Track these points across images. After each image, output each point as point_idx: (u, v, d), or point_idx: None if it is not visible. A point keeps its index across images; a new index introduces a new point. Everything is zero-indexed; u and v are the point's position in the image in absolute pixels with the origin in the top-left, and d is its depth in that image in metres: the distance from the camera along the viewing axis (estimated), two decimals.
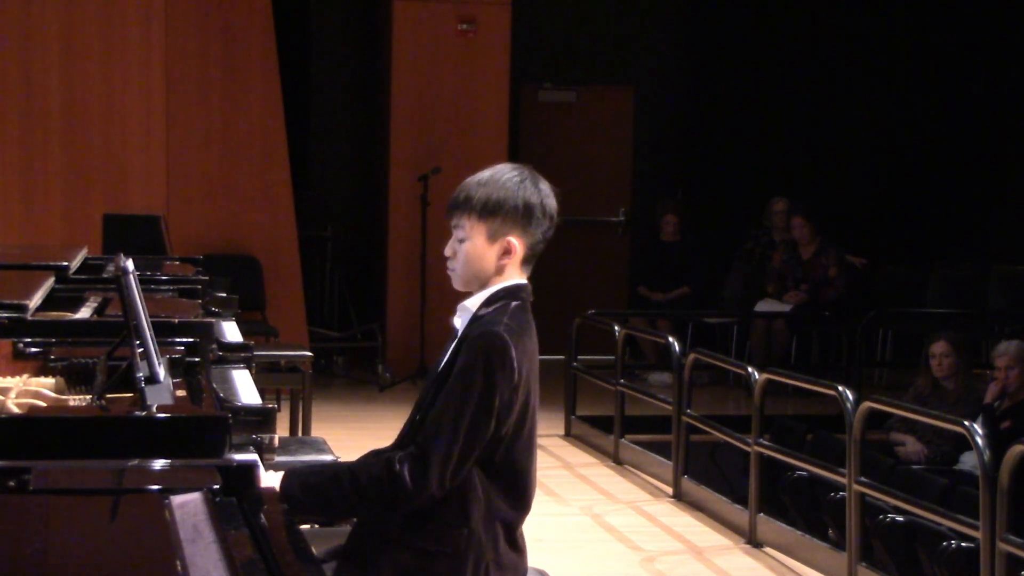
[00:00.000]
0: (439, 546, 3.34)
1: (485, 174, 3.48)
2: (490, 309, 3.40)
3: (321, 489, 3.34)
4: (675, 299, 11.54)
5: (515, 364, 3.31)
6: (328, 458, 4.59)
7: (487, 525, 3.36)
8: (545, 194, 3.47)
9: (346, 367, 11.26)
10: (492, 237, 3.43)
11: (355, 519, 3.50)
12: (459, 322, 3.45)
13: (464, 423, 3.28)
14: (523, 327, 3.39)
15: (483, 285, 3.46)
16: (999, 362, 7.16)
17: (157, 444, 2.90)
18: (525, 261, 3.48)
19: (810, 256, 11.21)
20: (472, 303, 3.44)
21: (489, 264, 3.44)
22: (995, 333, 10.21)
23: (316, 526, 3.73)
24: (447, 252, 3.50)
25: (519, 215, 3.42)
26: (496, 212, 3.42)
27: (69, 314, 4.76)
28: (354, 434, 8.42)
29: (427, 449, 3.28)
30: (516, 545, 3.46)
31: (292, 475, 3.37)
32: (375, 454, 3.43)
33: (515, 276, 3.46)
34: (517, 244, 3.44)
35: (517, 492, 3.41)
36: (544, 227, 3.47)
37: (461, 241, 3.46)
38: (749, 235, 11.83)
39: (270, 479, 3.29)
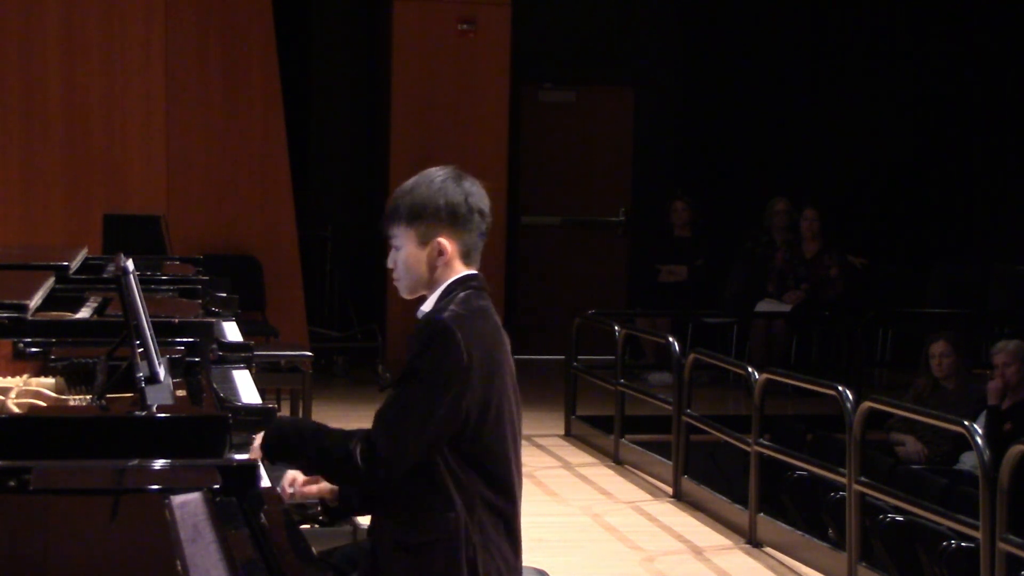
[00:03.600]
0: (431, 535, 3.36)
1: (410, 181, 3.54)
2: (440, 304, 3.46)
3: (292, 444, 3.45)
4: (674, 283, 11.49)
5: (460, 346, 3.34)
6: None
7: (472, 509, 3.38)
8: (469, 192, 3.50)
9: (346, 367, 11.25)
10: (422, 241, 3.49)
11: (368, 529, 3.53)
12: None
13: (411, 406, 3.33)
14: (473, 311, 3.43)
15: (430, 288, 3.51)
16: (996, 359, 7.16)
17: (157, 444, 2.91)
18: (464, 258, 3.51)
19: (813, 255, 11.19)
20: (427, 306, 3.50)
21: (425, 268, 3.50)
22: (995, 333, 10.19)
23: (316, 526, 3.73)
24: (389, 264, 3.57)
25: (443, 215, 3.47)
26: (421, 216, 3.47)
27: (69, 314, 4.76)
28: None
29: (376, 432, 3.35)
30: (513, 537, 3.46)
31: (275, 426, 3.53)
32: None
33: (459, 272, 3.50)
34: (448, 244, 3.48)
35: (497, 478, 3.43)
36: (475, 223, 3.50)
37: (397, 250, 3.52)
38: (749, 235, 11.80)
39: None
